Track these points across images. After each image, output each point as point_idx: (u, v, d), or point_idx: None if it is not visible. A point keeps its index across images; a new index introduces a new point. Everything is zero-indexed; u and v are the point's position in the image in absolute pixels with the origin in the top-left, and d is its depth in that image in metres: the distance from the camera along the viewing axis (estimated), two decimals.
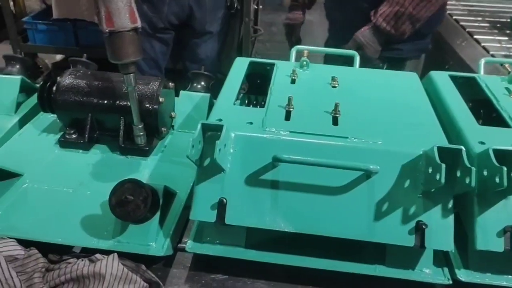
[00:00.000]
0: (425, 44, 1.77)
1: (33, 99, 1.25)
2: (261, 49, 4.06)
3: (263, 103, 1.11)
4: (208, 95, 1.20)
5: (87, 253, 0.81)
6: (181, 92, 1.20)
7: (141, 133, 1.04)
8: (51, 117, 1.17)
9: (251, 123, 0.84)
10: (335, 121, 0.85)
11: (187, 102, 1.18)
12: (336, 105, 0.86)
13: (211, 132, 0.78)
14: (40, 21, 2.57)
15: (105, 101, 1.05)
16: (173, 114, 1.15)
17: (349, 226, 0.74)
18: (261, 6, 3.27)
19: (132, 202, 0.77)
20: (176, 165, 1.05)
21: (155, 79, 1.07)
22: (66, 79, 1.05)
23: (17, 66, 1.26)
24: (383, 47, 1.64)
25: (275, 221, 0.76)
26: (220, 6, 2.07)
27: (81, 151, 1.06)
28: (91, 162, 1.04)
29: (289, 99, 0.88)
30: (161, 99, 1.04)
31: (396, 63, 1.73)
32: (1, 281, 0.65)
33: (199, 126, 0.76)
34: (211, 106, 1.21)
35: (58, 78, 1.06)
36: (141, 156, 1.06)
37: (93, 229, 0.85)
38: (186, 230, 0.92)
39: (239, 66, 1.09)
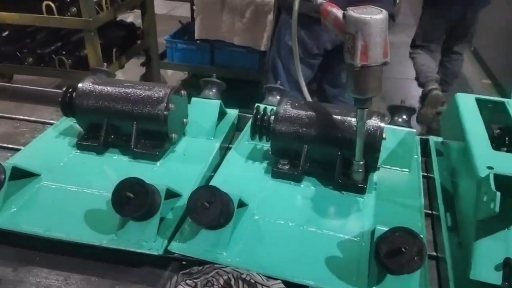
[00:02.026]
0: None
1: (226, 123, 1.26)
2: None
3: None
4: (414, 131, 1.13)
5: None
6: (385, 126, 1.14)
7: (361, 170, 0.99)
8: (249, 143, 1.17)
9: None
10: None
11: (392, 138, 1.12)
12: None
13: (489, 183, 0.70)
14: (181, 40, 2.68)
15: (324, 133, 1.02)
16: None
17: None
18: None
19: (406, 254, 0.71)
20: (396, 205, 0.99)
21: (377, 113, 1.02)
22: (287, 110, 1.04)
23: (214, 90, 1.27)
24: None
25: None
26: None
27: (293, 183, 1.04)
28: (306, 195, 1.00)
29: None
30: (384, 135, 0.99)
31: None
32: None
33: (491, 176, 0.69)
34: (415, 142, 1.15)
35: (276, 108, 1.05)
36: (357, 193, 1.01)
37: (339, 273, 0.80)
38: None
39: (468, 105, 1.01)
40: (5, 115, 1.33)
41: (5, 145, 1.18)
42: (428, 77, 3.48)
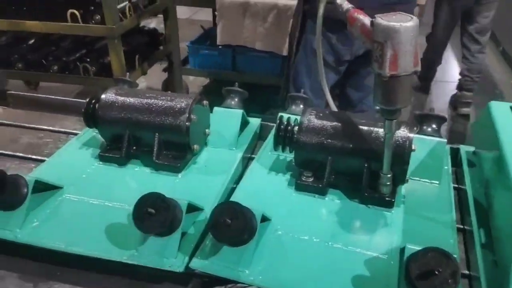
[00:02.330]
0: None
1: (248, 132, 1.24)
2: None
3: None
4: (444, 140, 1.08)
5: None
6: (413, 136, 1.10)
7: (389, 183, 0.95)
8: (272, 154, 1.14)
9: None
10: None
11: (421, 148, 1.07)
12: None
13: None
14: (203, 46, 2.68)
15: (350, 145, 0.98)
16: None
17: None
18: None
19: (439, 276, 0.67)
20: (426, 220, 0.95)
21: (405, 123, 0.98)
22: (311, 120, 1.01)
23: (236, 99, 1.25)
24: None
25: None
26: None
27: (317, 196, 1.00)
28: (331, 209, 0.97)
29: None
30: (414, 146, 0.95)
31: None
32: None
33: None
34: (446, 153, 1.10)
35: (300, 118, 1.02)
36: (384, 207, 0.97)
37: None
38: None
39: (503, 113, 0.96)
40: (30, 125, 1.34)
41: (30, 156, 1.19)
42: (430, 68, 3.78)
